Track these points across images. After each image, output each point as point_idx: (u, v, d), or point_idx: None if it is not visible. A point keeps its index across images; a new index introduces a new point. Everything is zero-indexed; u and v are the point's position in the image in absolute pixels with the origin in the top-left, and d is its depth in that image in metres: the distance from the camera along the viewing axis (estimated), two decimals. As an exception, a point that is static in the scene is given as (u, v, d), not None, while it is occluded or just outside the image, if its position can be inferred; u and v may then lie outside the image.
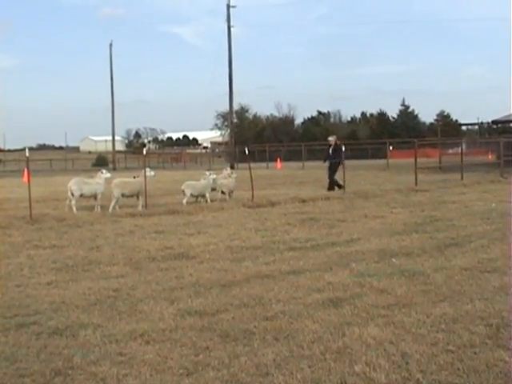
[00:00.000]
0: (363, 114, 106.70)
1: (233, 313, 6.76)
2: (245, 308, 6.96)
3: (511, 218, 13.26)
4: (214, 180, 19.50)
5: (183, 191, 18.85)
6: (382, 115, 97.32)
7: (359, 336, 5.83)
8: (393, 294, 7.41)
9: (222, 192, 19.84)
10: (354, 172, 32.08)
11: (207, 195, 19.24)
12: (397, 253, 10.00)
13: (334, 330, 6.04)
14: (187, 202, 18.35)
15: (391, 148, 51.63)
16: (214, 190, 19.79)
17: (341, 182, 22.43)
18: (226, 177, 20.64)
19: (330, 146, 24.27)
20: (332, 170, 23.48)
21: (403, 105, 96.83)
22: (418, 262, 9.29)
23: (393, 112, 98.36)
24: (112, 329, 6.31)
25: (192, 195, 18.99)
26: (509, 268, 8.44)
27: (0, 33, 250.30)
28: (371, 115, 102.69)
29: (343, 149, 23.53)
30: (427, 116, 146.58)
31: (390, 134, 78.39)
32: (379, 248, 10.47)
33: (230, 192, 20.07)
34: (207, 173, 19.94)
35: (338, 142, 24.78)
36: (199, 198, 19.38)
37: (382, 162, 46.80)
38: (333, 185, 23.12)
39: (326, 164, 24.27)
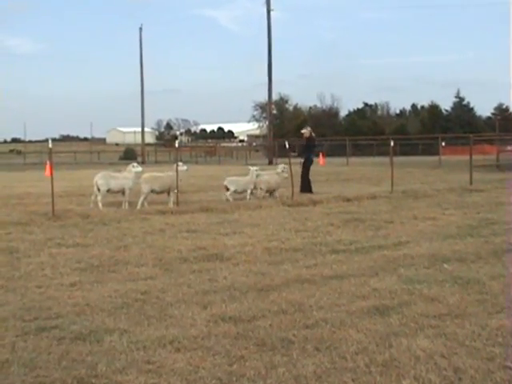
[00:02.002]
0: (413, 106, 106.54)
1: (270, 320, 6.75)
2: (283, 315, 6.94)
3: None
4: (257, 176, 19.48)
5: (226, 187, 18.95)
6: (433, 108, 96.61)
7: (407, 348, 5.77)
8: (444, 302, 7.33)
9: (260, 188, 19.76)
10: (403, 169, 31.90)
11: (249, 191, 19.33)
12: (449, 258, 9.90)
13: (380, 341, 5.99)
14: (227, 200, 18.47)
15: (444, 144, 50.96)
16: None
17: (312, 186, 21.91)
18: (271, 173, 20.57)
19: (305, 139, 22.82)
20: (305, 168, 22.13)
21: (457, 97, 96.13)
22: (473, 268, 9.18)
23: (446, 104, 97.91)
24: (140, 335, 6.34)
25: (236, 191, 19.09)
26: None
27: (24, 17, 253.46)
28: (422, 108, 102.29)
29: (315, 143, 23.33)
30: (484, 109, 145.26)
31: (443, 129, 77.95)
32: (430, 252, 10.37)
33: (272, 190, 19.98)
34: (251, 168, 19.95)
35: (314, 135, 23.33)
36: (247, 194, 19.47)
37: (433, 158, 46.45)
38: (307, 185, 21.90)
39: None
